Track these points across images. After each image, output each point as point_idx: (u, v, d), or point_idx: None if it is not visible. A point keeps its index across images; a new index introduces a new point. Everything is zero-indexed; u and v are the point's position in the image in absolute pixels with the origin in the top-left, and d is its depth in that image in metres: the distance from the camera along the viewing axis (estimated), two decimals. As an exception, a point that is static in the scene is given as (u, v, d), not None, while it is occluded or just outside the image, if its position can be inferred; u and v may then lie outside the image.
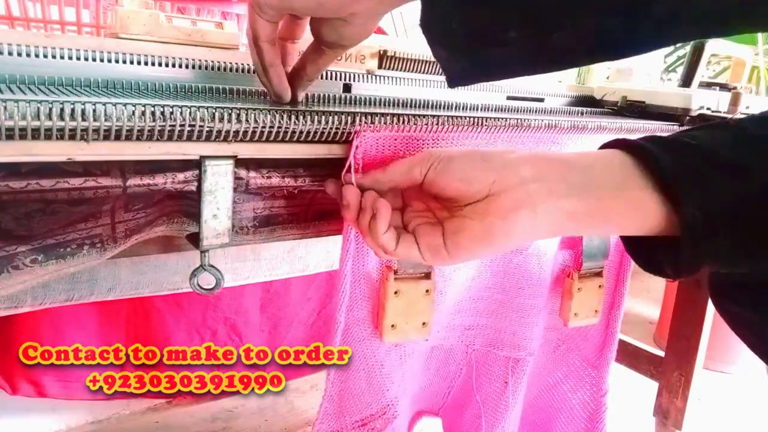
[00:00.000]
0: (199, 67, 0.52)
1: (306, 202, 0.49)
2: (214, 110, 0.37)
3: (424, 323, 0.55)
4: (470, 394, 0.65)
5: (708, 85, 0.92)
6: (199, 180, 0.39)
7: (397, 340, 0.55)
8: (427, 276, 0.54)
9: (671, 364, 1.11)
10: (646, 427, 1.17)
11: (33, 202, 0.35)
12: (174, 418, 1.18)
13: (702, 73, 0.97)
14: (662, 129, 0.71)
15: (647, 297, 2.01)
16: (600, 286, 0.68)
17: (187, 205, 0.42)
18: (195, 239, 0.42)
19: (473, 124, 0.49)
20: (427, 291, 0.54)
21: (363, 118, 0.44)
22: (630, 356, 1.20)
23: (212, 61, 0.53)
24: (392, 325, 0.53)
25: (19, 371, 0.99)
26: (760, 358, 0.40)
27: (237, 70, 0.54)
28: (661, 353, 1.14)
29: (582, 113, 0.73)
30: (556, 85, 0.84)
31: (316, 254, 0.77)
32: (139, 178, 0.37)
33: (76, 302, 0.59)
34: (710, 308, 1.05)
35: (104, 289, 0.60)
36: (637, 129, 0.65)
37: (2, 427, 1.10)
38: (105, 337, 1.05)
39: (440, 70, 0.66)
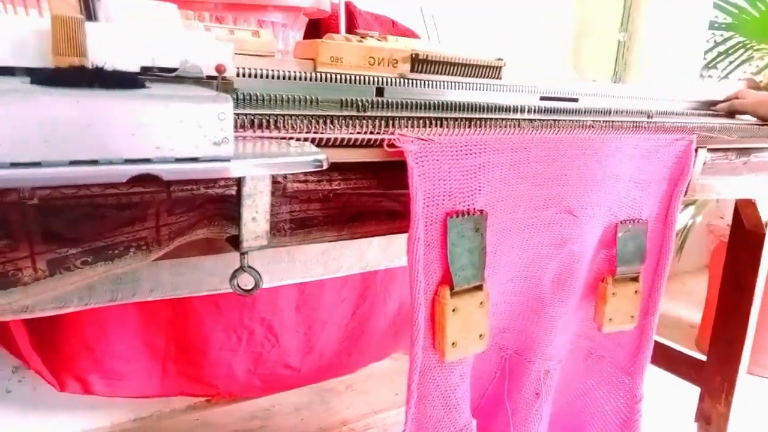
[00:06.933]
0: (237, 75, 0.54)
1: (341, 204, 0.50)
2: (252, 117, 0.38)
3: (481, 335, 0.55)
4: (501, 400, 0.64)
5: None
6: (239, 184, 0.41)
7: (458, 356, 0.54)
8: (479, 288, 0.54)
9: (713, 369, 1.08)
10: (688, 433, 1.14)
11: (83, 207, 0.36)
12: (213, 416, 1.21)
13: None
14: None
15: (689, 300, 1.96)
16: (636, 292, 0.67)
17: (227, 208, 0.43)
18: (234, 241, 0.44)
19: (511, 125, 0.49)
20: (481, 303, 0.54)
21: (396, 122, 0.44)
22: (671, 360, 1.18)
23: (249, 69, 0.54)
24: (453, 344, 0.53)
25: (67, 369, 1.03)
26: None
27: (273, 77, 0.55)
28: (703, 357, 1.12)
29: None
30: (591, 85, 0.83)
31: (349, 256, 0.78)
32: (183, 184, 0.39)
33: (119, 303, 0.61)
34: (754, 311, 1.02)
35: (146, 290, 0.61)
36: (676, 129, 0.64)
37: (49, 422, 1.14)
38: (146, 337, 1.08)
39: (472, 72, 0.66)
